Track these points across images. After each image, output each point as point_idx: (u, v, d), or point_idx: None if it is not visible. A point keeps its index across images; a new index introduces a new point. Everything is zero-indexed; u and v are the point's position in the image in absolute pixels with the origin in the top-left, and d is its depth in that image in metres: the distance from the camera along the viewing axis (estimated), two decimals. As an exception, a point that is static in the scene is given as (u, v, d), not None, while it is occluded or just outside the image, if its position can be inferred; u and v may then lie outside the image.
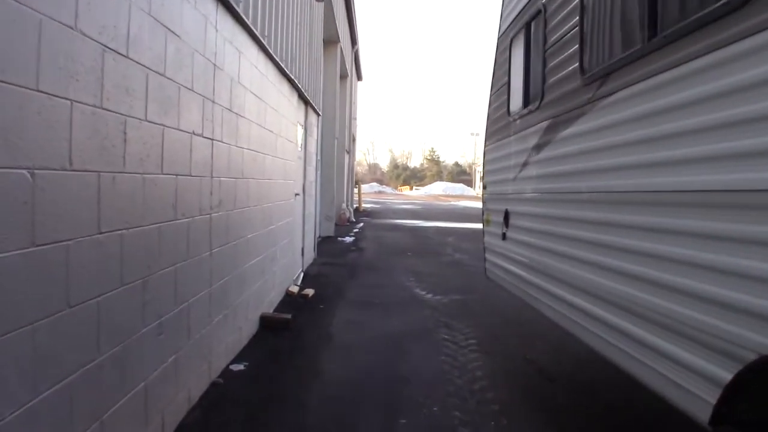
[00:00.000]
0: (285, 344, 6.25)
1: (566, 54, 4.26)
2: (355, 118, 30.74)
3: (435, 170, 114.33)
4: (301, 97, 9.68)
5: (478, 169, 69.80)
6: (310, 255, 11.87)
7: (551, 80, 4.55)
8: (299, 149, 9.71)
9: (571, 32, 4.18)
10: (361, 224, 23.01)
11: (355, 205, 30.72)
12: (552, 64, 4.55)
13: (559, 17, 4.45)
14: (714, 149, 2.55)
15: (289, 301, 8.30)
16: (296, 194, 9.51)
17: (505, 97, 5.90)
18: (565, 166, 4.20)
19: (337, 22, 16.15)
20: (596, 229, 3.81)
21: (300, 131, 9.72)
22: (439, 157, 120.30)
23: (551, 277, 4.62)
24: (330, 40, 16.00)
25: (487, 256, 6.68)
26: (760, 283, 2.26)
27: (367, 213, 31.24)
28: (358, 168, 33.27)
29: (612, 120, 3.51)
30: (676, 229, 2.84)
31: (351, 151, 27.79)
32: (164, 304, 3.77)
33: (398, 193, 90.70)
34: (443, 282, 10.50)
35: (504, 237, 5.74)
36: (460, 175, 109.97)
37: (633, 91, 3.29)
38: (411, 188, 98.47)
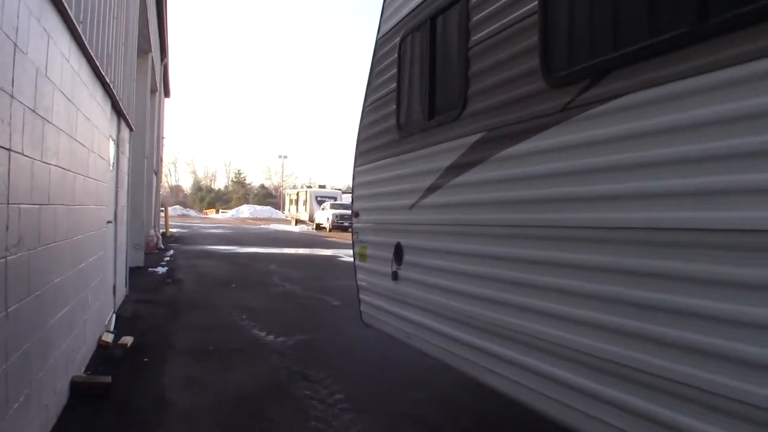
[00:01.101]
0: (107, 421, 4.79)
1: (513, 51, 3.38)
2: (164, 137, 28.54)
3: (241, 192, 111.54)
4: (115, 107, 8.12)
5: (288, 192, 68.71)
6: (122, 292, 10.15)
7: (481, 84, 3.66)
8: (111, 169, 8.13)
9: (522, 22, 3.29)
10: (171, 251, 21.05)
11: (161, 230, 28.41)
12: (483, 64, 3.66)
13: (498, 5, 3.55)
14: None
15: (103, 354, 6.71)
16: (108, 222, 7.91)
17: (393, 107, 4.94)
18: (511, 192, 3.31)
19: (149, 28, 14.47)
20: (545, 271, 2.97)
21: (113, 147, 8.13)
22: (245, 179, 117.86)
23: (470, 328, 3.70)
24: (141, 49, 14.26)
25: (364, 297, 5.65)
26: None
27: (175, 238, 29.01)
28: (161, 190, 30.80)
29: (601, 135, 2.66)
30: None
31: (158, 172, 25.63)
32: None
33: (204, 216, 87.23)
34: (282, 319, 9.31)
35: (395, 277, 4.75)
36: (267, 197, 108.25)
37: (643, 98, 2.46)
38: (217, 211, 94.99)
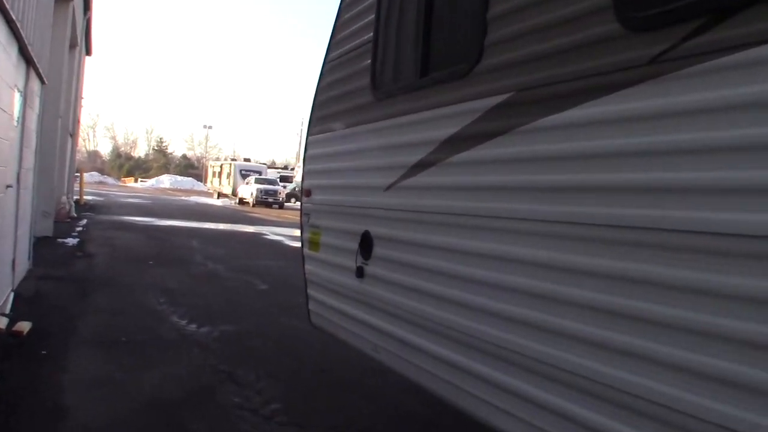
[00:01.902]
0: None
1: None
2: (83, 98, 26.65)
3: (162, 162, 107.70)
4: (23, 52, 6.94)
5: (211, 163, 66.49)
6: (24, 266, 8.94)
7: (507, 30, 2.84)
8: (15, 124, 6.97)
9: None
10: (85, 221, 19.54)
11: (75, 198, 26.60)
12: (512, 3, 2.83)
13: None
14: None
15: (-8, 343, 5.66)
16: (8, 186, 6.77)
17: (366, 63, 4.07)
18: (551, 174, 2.52)
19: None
20: (605, 288, 2.23)
21: (18, 99, 6.97)
22: (167, 148, 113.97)
23: (472, 350, 2.94)
24: (59, -4, 12.84)
25: (315, 294, 4.79)
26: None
27: (90, 207, 27.21)
28: (77, 155, 28.82)
29: (714, 100, 1.90)
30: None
31: (74, 135, 23.86)
32: None
33: (122, 184, 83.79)
34: (204, 304, 8.36)
35: (360, 273, 3.93)
36: (189, 168, 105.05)
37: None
38: (136, 180, 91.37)
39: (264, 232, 21.64)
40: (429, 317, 3.25)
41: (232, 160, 56.37)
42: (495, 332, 2.81)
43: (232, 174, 51.30)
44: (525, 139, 2.65)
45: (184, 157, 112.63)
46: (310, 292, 4.85)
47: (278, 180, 48.04)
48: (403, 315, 3.49)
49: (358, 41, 4.23)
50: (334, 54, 4.60)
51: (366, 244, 3.90)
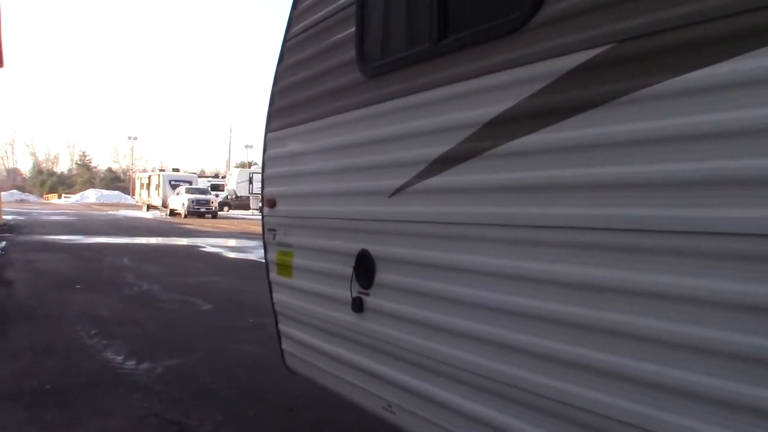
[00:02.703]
0: None
1: None
2: (-7, 112, 24.69)
3: (87, 176, 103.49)
4: None
5: (139, 175, 63.89)
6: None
7: None
8: None
9: None
10: (4, 243, 17.92)
11: (-7, 218, 24.68)
12: None
13: None
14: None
15: None
16: None
17: (350, 31, 3.12)
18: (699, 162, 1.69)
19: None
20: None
21: None
22: (91, 162, 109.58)
23: (526, 409, 2.12)
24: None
25: (290, 330, 3.86)
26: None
27: (10, 227, 25.27)
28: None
29: None
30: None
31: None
32: None
33: (45, 201, 79.92)
34: (142, 334, 7.30)
35: (359, 306, 3.04)
36: (115, 181, 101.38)
37: None
38: (60, 196, 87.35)
39: (200, 244, 20.39)
40: (465, 366, 2.41)
41: (160, 170, 54.19)
42: (561, 386, 2.01)
43: (161, 185, 49.32)
44: (631, 112, 1.82)
45: (110, 170, 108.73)
46: (283, 328, 3.91)
47: (210, 189, 46.49)
48: (427, 363, 2.63)
49: (334, 5, 3.30)
50: (298, 27, 3.66)
51: (364, 267, 3.02)
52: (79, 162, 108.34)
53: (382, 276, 2.94)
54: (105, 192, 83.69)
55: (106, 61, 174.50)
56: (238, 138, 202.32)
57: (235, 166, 70.89)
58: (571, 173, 2.02)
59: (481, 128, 2.34)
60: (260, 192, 4.14)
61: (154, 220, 38.26)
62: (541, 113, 2.11)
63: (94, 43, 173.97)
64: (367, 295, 3.02)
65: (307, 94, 3.61)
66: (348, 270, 3.12)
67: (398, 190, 2.79)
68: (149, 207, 51.08)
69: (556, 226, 2.06)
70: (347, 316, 3.13)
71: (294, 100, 3.75)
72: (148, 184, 53.37)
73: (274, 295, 4.01)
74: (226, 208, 48.57)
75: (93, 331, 7.29)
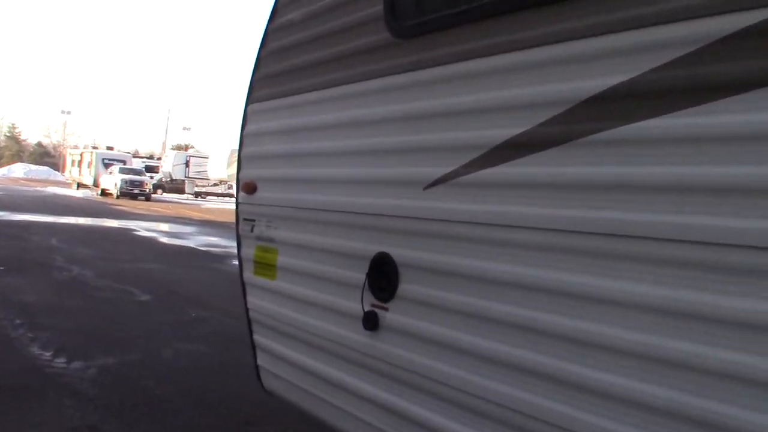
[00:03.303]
0: None
1: None
2: None
3: (15, 150, 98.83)
4: None
5: (70, 152, 61.13)
6: None
7: None
8: None
9: None
10: None
11: None
12: None
13: None
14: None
15: None
16: None
17: None
18: None
19: None
20: None
21: None
22: (20, 135, 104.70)
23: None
24: None
25: (268, 343, 3.24)
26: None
27: (-73, 198, 23.65)
28: None
29: None
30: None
31: None
32: None
33: (-34, 174, 76.03)
34: (74, 326, 6.57)
35: (372, 322, 2.49)
36: (45, 157, 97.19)
37: None
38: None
39: (133, 227, 19.33)
40: (519, 407, 1.92)
41: (93, 148, 51.83)
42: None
43: (93, 163, 47.21)
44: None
45: (40, 144, 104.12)
46: (260, 339, 3.31)
47: (144, 170, 44.85)
48: (465, 401, 2.11)
49: None
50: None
51: (383, 274, 2.47)
52: (7, 134, 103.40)
53: (408, 287, 2.40)
54: (34, 167, 79.93)
55: (41, 32, 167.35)
56: (175, 120, 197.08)
57: (172, 148, 68.67)
58: (732, 173, 1.51)
59: (578, 106, 1.83)
60: (236, 173, 3.52)
61: (84, 199, 36.51)
62: (679, 90, 1.61)
63: (31, 12, 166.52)
64: (385, 309, 2.47)
65: (309, 57, 3.01)
66: (358, 277, 2.56)
67: (438, 182, 2.25)
68: (80, 185, 48.88)
69: (688, 241, 1.58)
70: (354, 334, 2.58)
71: (290, 64, 3.15)
72: (80, 162, 51.05)
73: (248, 298, 3.41)
74: (159, 191, 46.87)
75: (17, 321, 6.50)
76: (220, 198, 47.71)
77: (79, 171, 50.63)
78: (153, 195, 40.89)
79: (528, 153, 1.97)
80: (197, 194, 48.79)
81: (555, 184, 1.90)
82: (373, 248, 2.52)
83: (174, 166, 50.70)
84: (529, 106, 1.97)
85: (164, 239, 16.72)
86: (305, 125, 3.02)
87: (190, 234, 18.50)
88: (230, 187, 46.40)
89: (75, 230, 17.35)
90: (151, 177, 44.66)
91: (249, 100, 3.43)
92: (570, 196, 1.86)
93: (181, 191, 49.27)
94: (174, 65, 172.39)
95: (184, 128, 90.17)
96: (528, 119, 1.96)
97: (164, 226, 20.84)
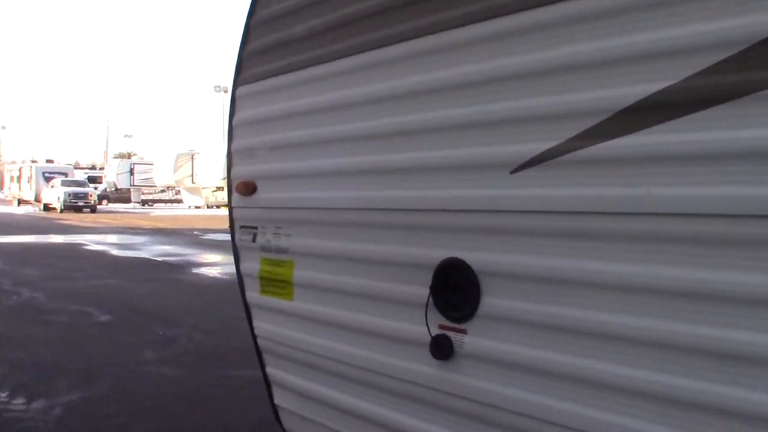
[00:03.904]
0: None
1: None
2: None
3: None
4: None
5: (8, 167, 58.50)
6: None
7: None
8: None
9: None
10: None
11: None
12: None
13: None
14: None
15: None
16: None
17: None
18: None
19: None
20: None
21: None
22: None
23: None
24: None
25: (284, 377, 2.63)
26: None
27: None
28: None
29: None
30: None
31: None
32: None
33: None
34: (29, 359, 5.83)
35: (444, 348, 1.93)
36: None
37: None
38: None
39: (82, 241, 18.28)
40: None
41: (33, 162, 49.83)
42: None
43: (33, 177, 45.21)
44: None
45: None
46: (275, 373, 2.68)
47: (87, 181, 43.25)
48: None
49: None
50: None
51: (454, 287, 1.93)
52: None
53: (494, 302, 1.86)
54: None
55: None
56: (116, 127, 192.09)
57: (114, 157, 66.63)
58: None
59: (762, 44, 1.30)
60: (227, 171, 2.88)
61: (27, 215, 34.86)
62: None
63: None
64: (462, 332, 1.91)
65: (321, 19, 2.40)
66: (418, 292, 2.00)
67: (533, 162, 1.71)
68: (20, 201, 46.84)
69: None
70: (415, 364, 2.02)
71: (293, 32, 2.53)
72: (19, 177, 48.90)
73: (256, 323, 2.78)
74: (105, 202, 45.30)
75: (-36, 358, 5.72)
76: (168, 204, 46.38)
77: (19, 187, 48.52)
78: (98, 206, 39.52)
79: (680, 114, 1.42)
80: (144, 202, 47.39)
81: (723, 153, 1.35)
82: (438, 254, 1.95)
83: (118, 175, 49.17)
84: (689, 50, 1.42)
85: (116, 252, 15.80)
86: (326, 104, 2.41)
87: (143, 244, 17.57)
88: (178, 193, 45.30)
89: (20, 249, 16.24)
90: (95, 188, 43.24)
91: (237, 82, 2.80)
92: (745, 170, 1.32)
93: (127, 200, 47.79)
94: (110, 72, 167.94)
95: (126, 135, 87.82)
96: (685, 67, 1.41)
97: (114, 238, 19.85)
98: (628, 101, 1.53)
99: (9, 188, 52.96)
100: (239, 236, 2.83)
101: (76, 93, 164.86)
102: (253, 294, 2.78)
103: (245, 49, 2.77)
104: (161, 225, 25.26)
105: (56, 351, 6.10)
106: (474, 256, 1.89)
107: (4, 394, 4.75)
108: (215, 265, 13.24)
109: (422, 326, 1.99)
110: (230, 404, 4.63)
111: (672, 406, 1.47)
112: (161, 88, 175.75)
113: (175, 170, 39.88)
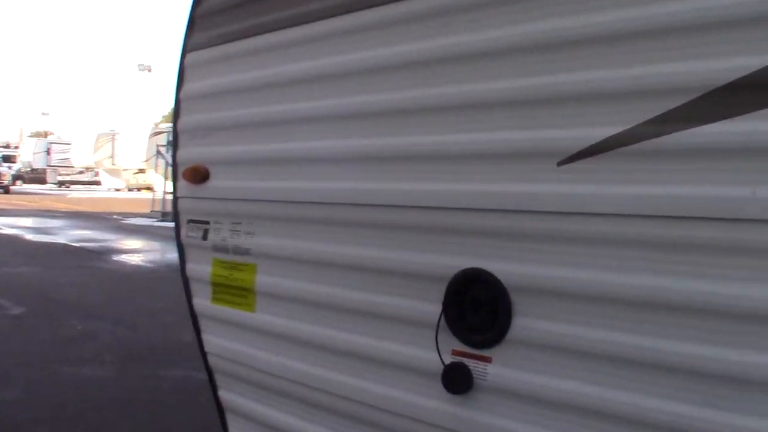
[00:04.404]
0: None
1: None
2: None
3: None
4: None
5: None
6: None
7: None
8: None
9: None
10: None
11: None
12: None
13: None
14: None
15: None
16: None
17: None
18: None
19: None
20: None
21: None
22: None
23: None
24: None
25: (242, 404, 2.24)
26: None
27: None
28: None
29: None
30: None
31: None
32: None
33: None
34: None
35: (463, 382, 1.62)
36: None
37: None
38: None
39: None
40: None
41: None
42: None
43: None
44: None
45: None
46: (229, 398, 2.26)
47: (1, 160, 41.07)
48: None
49: None
50: None
51: (473, 304, 1.57)
52: None
53: (529, 324, 1.52)
54: None
55: None
56: (32, 105, 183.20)
57: (30, 136, 63.65)
58: None
59: None
60: (172, 154, 2.43)
61: (-69, 195, 32.78)
62: None
63: None
64: (486, 360, 1.53)
65: None
66: (427, 310, 1.64)
67: (586, 153, 1.36)
68: None
69: None
70: (423, 399, 1.64)
71: None
72: None
73: (206, 337, 2.34)
74: (19, 182, 43.13)
75: None
76: (86, 186, 44.50)
77: None
78: (12, 187, 37.53)
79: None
80: (61, 183, 45.35)
81: None
82: (453, 262, 1.57)
83: (34, 154, 47.01)
84: None
85: (31, 236, 14.79)
86: (303, 74, 1.98)
87: (60, 228, 16.55)
88: (97, 174, 43.66)
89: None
90: (9, 167, 40.98)
91: (187, 47, 2.34)
92: None
93: (44, 181, 45.66)
94: (27, 46, 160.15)
95: (43, 113, 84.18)
96: None
97: (29, 221, 18.68)
98: (730, 77, 1.19)
99: None
100: (186, 232, 2.38)
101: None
102: (202, 302, 2.33)
103: (199, 7, 2.31)
104: (79, 208, 24.05)
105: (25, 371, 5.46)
106: (504, 267, 1.53)
107: None
108: (137, 251, 12.58)
109: (429, 351, 1.62)
110: (164, 411, 4.18)
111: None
112: (81, 65, 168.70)
113: (94, 151, 38.37)
